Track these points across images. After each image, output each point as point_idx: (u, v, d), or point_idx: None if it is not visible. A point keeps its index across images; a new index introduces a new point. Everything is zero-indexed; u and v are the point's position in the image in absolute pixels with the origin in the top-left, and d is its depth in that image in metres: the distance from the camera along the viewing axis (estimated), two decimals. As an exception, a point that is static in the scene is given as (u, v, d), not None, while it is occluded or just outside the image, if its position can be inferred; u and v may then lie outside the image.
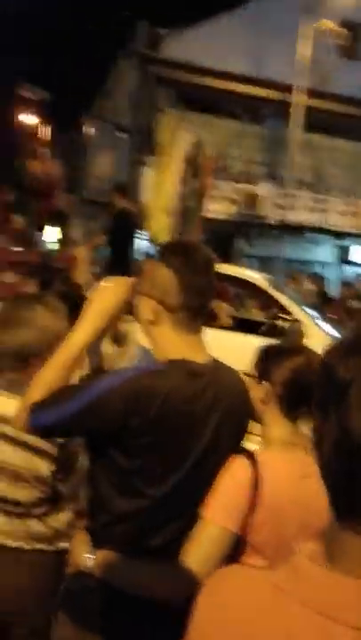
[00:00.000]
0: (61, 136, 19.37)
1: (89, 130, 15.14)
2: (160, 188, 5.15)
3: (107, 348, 3.76)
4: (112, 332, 3.67)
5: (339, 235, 13.62)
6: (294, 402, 1.40)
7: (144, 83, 13.42)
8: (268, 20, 12.28)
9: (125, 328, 2.85)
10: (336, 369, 0.56)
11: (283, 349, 1.51)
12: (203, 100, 13.53)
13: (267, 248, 12.46)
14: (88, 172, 15.87)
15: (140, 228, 5.76)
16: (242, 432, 1.44)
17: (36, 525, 1.59)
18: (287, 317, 4.89)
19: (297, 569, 0.59)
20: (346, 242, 14.71)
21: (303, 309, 5.35)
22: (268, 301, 5.51)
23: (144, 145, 13.00)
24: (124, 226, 5.55)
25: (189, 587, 1.21)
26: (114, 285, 1.38)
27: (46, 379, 1.32)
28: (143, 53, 12.87)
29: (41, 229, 6.30)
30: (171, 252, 1.35)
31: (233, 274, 5.60)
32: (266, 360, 1.49)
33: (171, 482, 1.27)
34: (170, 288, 1.28)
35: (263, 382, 1.45)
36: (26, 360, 1.60)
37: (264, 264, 11.32)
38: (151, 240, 5.62)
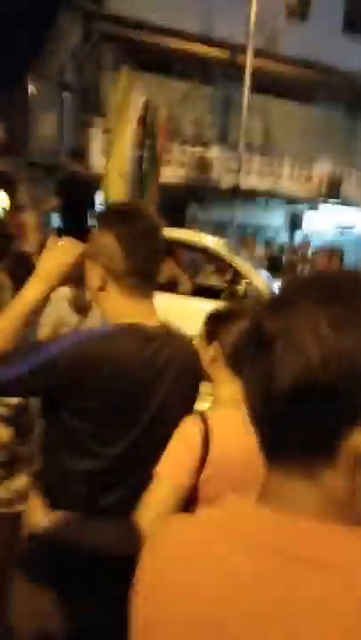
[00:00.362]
0: (1, 95, 18.39)
1: (31, 88, 14.40)
2: (114, 152, 4.96)
3: (71, 317, 3.66)
4: (76, 301, 3.57)
5: (291, 200, 13.77)
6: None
7: (88, 40, 12.85)
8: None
9: (88, 297, 2.80)
10: (264, 323, 0.59)
11: (229, 312, 1.55)
12: (151, 59, 13.11)
13: (220, 213, 12.42)
14: (32, 133, 15.19)
15: (94, 193, 5.57)
16: (193, 393, 1.48)
17: None
18: (245, 282, 4.89)
19: (229, 506, 0.64)
20: (298, 207, 14.90)
21: (259, 274, 5.38)
22: (224, 266, 5.51)
23: (90, 105, 12.54)
24: (77, 190, 5.37)
25: (143, 542, 1.23)
26: (63, 246, 1.38)
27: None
28: (87, 9, 12.26)
29: None
30: (114, 218, 1.35)
31: (189, 239, 5.55)
32: (214, 322, 1.55)
33: (123, 443, 1.30)
34: (114, 254, 1.30)
35: (212, 343, 1.50)
36: None
37: (217, 229, 11.27)
38: (106, 205, 5.48)
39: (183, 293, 4.76)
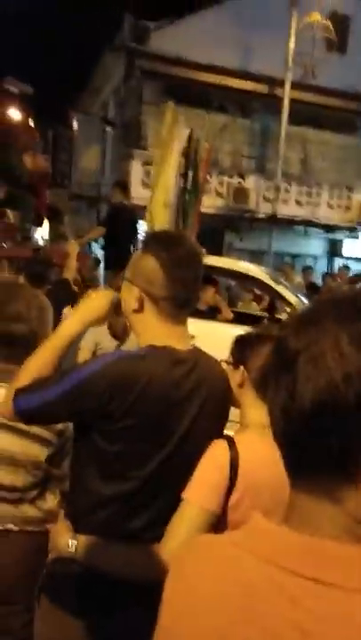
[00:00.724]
0: (48, 131, 19.19)
1: (76, 124, 14.99)
2: (159, 183, 5.10)
3: (108, 342, 3.73)
4: (113, 327, 3.64)
5: (329, 228, 13.67)
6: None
7: (130, 76, 13.32)
8: (255, 13, 12.26)
9: (125, 323, 2.86)
10: (288, 341, 0.59)
11: (257, 336, 1.54)
12: (191, 93, 13.46)
13: (256, 241, 12.46)
14: (75, 167, 15.74)
15: (137, 223, 5.71)
16: (222, 417, 1.47)
17: (29, 510, 1.61)
18: (288, 310, 4.86)
19: (252, 525, 0.64)
20: (336, 235, 14.78)
21: (303, 301, 5.35)
22: (263, 294, 5.46)
23: (131, 138, 12.92)
24: (122, 220, 5.53)
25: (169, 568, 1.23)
26: (99, 298, 1.46)
27: (32, 367, 1.37)
28: (129, 47, 12.75)
29: (38, 224, 6.23)
30: (157, 243, 1.36)
31: (232, 267, 5.56)
32: (241, 347, 1.54)
33: (151, 466, 1.30)
34: (155, 279, 1.31)
35: (240, 367, 1.50)
36: (15, 349, 1.63)
37: (254, 257, 11.30)
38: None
39: (224, 321, 4.76)
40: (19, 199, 5.93)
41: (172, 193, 5.16)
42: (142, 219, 5.85)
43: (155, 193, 5.15)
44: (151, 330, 1.35)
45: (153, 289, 1.32)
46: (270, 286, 5.04)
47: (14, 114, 14.13)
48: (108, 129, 15.32)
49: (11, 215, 5.95)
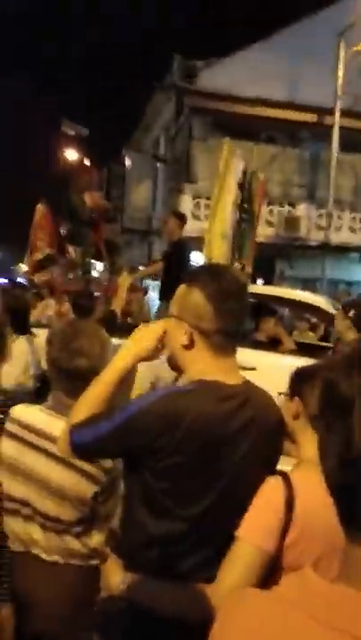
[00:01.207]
0: (103, 169, 19.93)
1: (128, 162, 15.52)
2: (217, 215, 5.19)
3: (167, 373, 3.76)
4: (171, 359, 3.67)
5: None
6: None
7: (180, 113, 13.70)
8: (301, 45, 12.41)
9: None
10: (339, 385, 0.56)
11: (314, 369, 1.50)
12: (239, 127, 13.68)
13: (309, 269, 12.32)
14: (128, 202, 16.21)
15: (190, 254, 5.77)
16: (276, 454, 1.43)
17: (72, 542, 1.62)
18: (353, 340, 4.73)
19: (305, 583, 0.59)
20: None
21: None
22: (319, 323, 5.33)
23: (181, 173, 13.22)
24: (181, 253, 5.60)
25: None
26: (149, 331, 1.44)
27: (87, 402, 1.37)
28: (179, 85, 13.17)
29: (98, 259, 6.45)
30: (203, 277, 1.35)
31: (292, 297, 5.49)
32: (297, 379, 1.50)
33: (202, 504, 1.27)
34: (204, 313, 1.29)
35: (295, 399, 1.47)
36: (76, 384, 1.65)
37: (306, 285, 11.17)
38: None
39: (286, 352, 4.69)
40: (80, 235, 6.17)
41: (229, 224, 5.22)
42: (193, 250, 5.92)
43: (212, 224, 5.22)
44: (201, 364, 1.33)
45: (203, 323, 1.30)
46: (332, 315, 4.93)
47: (72, 155, 14.81)
48: (159, 165, 15.76)
49: (72, 251, 6.19)
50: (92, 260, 6.35)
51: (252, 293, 5.17)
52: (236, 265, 5.44)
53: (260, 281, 11.19)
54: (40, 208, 6.77)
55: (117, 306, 4.52)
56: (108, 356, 1.72)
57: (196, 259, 6.65)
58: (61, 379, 1.67)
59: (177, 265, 5.49)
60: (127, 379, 1.44)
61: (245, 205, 5.67)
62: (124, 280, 4.81)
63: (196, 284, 1.32)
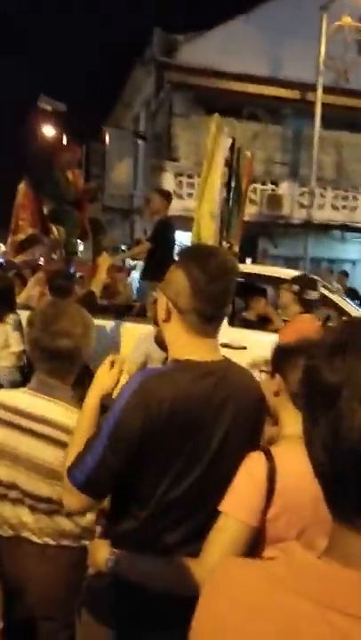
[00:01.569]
0: (81, 146, 19.51)
1: (108, 138, 15.24)
2: (205, 195, 5.11)
3: (156, 353, 3.73)
4: (159, 338, 3.65)
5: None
6: None
7: (160, 89, 13.46)
8: (283, 20, 12.22)
9: None
10: (322, 372, 0.55)
11: (296, 347, 1.51)
12: (221, 103, 13.49)
13: (291, 248, 12.33)
14: (108, 180, 15.96)
15: (173, 234, 5.68)
16: (257, 429, 1.45)
17: (63, 522, 1.62)
18: (344, 316, 4.73)
19: (292, 558, 0.60)
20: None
21: (356, 308, 5.22)
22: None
23: (162, 151, 13.02)
24: (166, 233, 5.52)
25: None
26: (105, 374, 1.46)
27: (74, 450, 1.36)
28: (159, 60, 12.90)
29: (83, 239, 6.28)
30: (188, 257, 1.38)
31: (283, 276, 5.46)
32: (278, 356, 1.53)
33: (187, 482, 1.29)
34: (181, 291, 1.32)
35: (276, 376, 1.49)
36: (58, 363, 1.67)
37: (289, 264, 11.17)
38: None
39: (275, 331, 4.69)
40: (64, 215, 6.01)
41: (217, 203, 5.15)
42: (177, 229, 5.83)
43: (201, 204, 5.14)
44: (178, 341, 1.36)
45: (179, 301, 1.33)
46: (327, 297, 4.91)
47: (50, 131, 14.48)
48: (140, 142, 15.50)
49: (56, 231, 6.04)
50: (78, 241, 6.19)
51: (241, 272, 5.16)
52: (224, 244, 5.38)
53: (248, 260, 11.17)
54: (22, 187, 6.58)
55: (96, 286, 4.49)
56: (91, 335, 1.72)
57: (181, 238, 6.56)
58: (44, 359, 1.67)
59: (162, 245, 5.42)
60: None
61: (233, 184, 5.59)
62: (104, 260, 4.75)
63: (181, 262, 1.36)
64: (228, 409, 1.33)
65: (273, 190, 12.77)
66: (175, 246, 5.66)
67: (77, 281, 5.37)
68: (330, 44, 10.88)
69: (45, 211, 6.05)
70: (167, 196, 5.82)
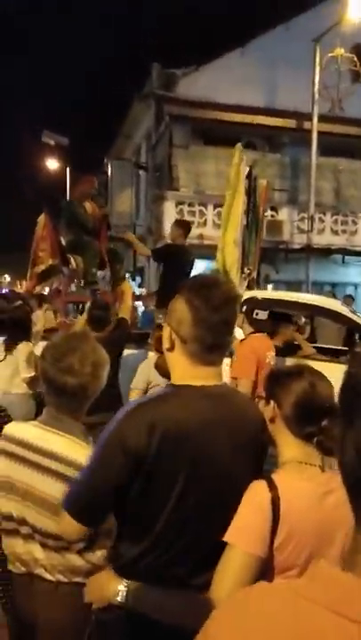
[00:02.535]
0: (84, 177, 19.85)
1: (110, 170, 15.54)
2: (229, 222, 5.16)
3: (158, 379, 3.74)
4: (160, 365, 3.67)
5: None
6: (301, 423, 1.43)
7: (160, 121, 13.77)
8: (278, 52, 12.56)
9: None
10: None
11: (288, 372, 1.53)
12: (218, 133, 13.77)
13: (293, 272, 12.41)
14: (110, 210, 16.20)
15: (188, 262, 5.67)
16: (258, 456, 1.44)
17: (74, 559, 1.58)
18: None
19: (317, 575, 0.58)
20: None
21: None
22: (345, 326, 5.37)
23: (163, 181, 13.26)
24: (176, 258, 5.53)
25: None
26: (96, 586, 1.43)
27: None
28: (158, 94, 13.24)
29: (100, 268, 6.27)
30: (190, 287, 1.38)
31: (306, 302, 5.48)
32: (271, 382, 1.53)
33: (187, 506, 1.28)
34: (183, 320, 1.34)
35: (270, 402, 1.49)
36: (63, 400, 1.64)
37: (291, 288, 11.23)
38: (218, 272, 5.50)
39: (304, 357, 4.69)
40: (84, 245, 5.98)
41: (240, 231, 5.23)
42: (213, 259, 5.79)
43: (226, 232, 5.20)
44: (179, 370, 1.38)
45: (181, 330, 1.34)
46: (350, 318, 4.96)
47: (53, 164, 14.72)
48: (141, 172, 15.79)
49: (74, 261, 6.06)
50: (96, 270, 6.16)
51: (268, 299, 5.19)
52: (246, 271, 5.42)
53: (269, 286, 11.22)
54: (42, 219, 6.61)
55: (125, 313, 4.46)
56: (102, 375, 1.68)
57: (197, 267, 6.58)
58: (51, 393, 1.65)
59: (171, 271, 5.44)
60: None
61: (251, 211, 5.63)
62: (128, 287, 4.77)
63: (184, 292, 1.36)
64: (227, 432, 1.32)
65: (273, 216, 12.93)
66: (188, 274, 5.67)
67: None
68: (324, 74, 11.17)
69: (63, 241, 6.11)
70: (184, 226, 5.82)
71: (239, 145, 5.42)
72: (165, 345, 1.40)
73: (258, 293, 5.06)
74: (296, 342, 5.14)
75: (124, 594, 1.28)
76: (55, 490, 1.55)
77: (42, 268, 6.29)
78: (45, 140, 13.40)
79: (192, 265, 5.66)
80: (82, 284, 6.08)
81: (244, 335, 3.99)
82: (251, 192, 5.65)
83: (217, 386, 1.37)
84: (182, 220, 7.31)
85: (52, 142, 13.47)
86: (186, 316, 1.33)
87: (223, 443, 1.32)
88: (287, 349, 5.00)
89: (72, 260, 6.08)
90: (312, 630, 0.55)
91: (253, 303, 4.06)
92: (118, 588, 1.29)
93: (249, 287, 5.63)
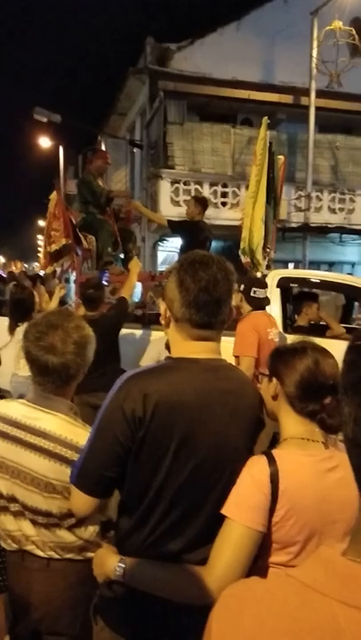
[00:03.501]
0: (78, 155, 19.61)
1: (104, 147, 15.31)
2: (257, 199, 5.05)
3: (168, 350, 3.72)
4: (168, 342, 3.68)
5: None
6: (304, 401, 1.43)
7: (155, 98, 13.52)
8: (275, 25, 12.29)
9: None
10: None
11: (292, 350, 1.51)
12: (215, 110, 13.54)
13: (290, 251, 12.32)
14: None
15: (206, 240, 5.57)
16: (254, 430, 1.44)
17: (66, 536, 1.60)
18: None
19: (330, 566, 0.57)
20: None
21: None
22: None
23: (158, 158, 13.06)
24: (202, 237, 5.46)
25: (219, 591, 1.19)
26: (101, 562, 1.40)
27: None
28: (152, 69, 12.97)
29: (114, 248, 6.14)
30: (182, 266, 1.38)
31: (335, 280, 5.37)
32: (275, 359, 1.52)
33: (181, 477, 1.28)
34: (173, 299, 1.35)
35: (273, 380, 1.49)
36: (46, 378, 1.64)
37: (288, 267, 11.16)
38: (245, 252, 5.36)
39: (333, 337, 4.61)
40: (98, 224, 5.82)
41: (264, 208, 5.14)
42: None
43: (255, 209, 5.11)
44: (176, 344, 1.40)
45: (172, 308, 1.37)
46: None
47: (46, 141, 14.43)
48: (136, 150, 15.56)
49: (85, 241, 5.92)
50: (111, 250, 6.00)
51: (294, 278, 5.11)
52: (267, 249, 5.34)
53: (290, 265, 11.12)
54: (54, 197, 6.40)
55: (127, 292, 4.39)
56: (86, 354, 1.66)
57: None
58: (35, 372, 1.64)
59: (189, 248, 5.35)
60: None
61: (270, 188, 5.55)
62: (135, 264, 4.68)
63: (176, 270, 1.37)
64: (222, 404, 1.33)
65: (269, 195, 12.80)
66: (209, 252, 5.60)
67: (111, 289, 5.33)
68: (322, 48, 10.92)
69: (74, 220, 5.97)
70: (202, 203, 5.74)
71: (265, 118, 5.27)
72: (162, 321, 1.43)
73: (290, 272, 5.01)
74: (322, 322, 5.07)
75: (122, 570, 1.29)
76: (44, 467, 1.56)
77: (54, 247, 6.17)
78: (37, 117, 13.16)
79: (210, 242, 5.59)
80: (96, 266, 5.96)
81: (244, 313, 3.96)
82: (270, 168, 5.51)
83: (214, 359, 1.37)
84: (200, 196, 7.16)
85: (44, 119, 13.24)
86: (176, 295, 1.34)
87: (218, 414, 1.32)
88: (316, 329, 4.93)
89: (84, 239, 5.95)
90: (326, 624, 0.53)
91: (250, 282, 4.03)
92: (116, 565, 1.30)
93: (268, 267, 5.55)
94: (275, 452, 1.36)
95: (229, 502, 1.28)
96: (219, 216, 12.14)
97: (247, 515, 1.26)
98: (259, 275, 5.32)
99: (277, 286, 4.82)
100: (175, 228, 5.78)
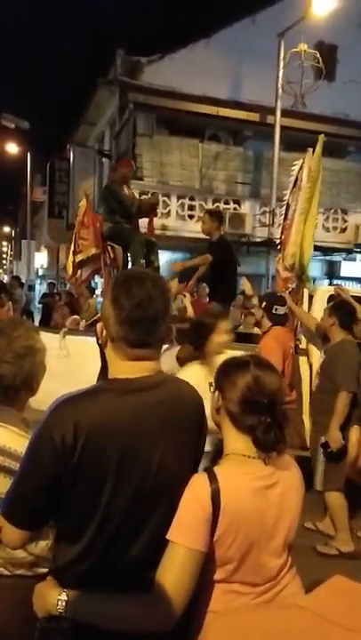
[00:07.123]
0: (46, 163, 19.49)
1: (72, 156, 15.28)
2: (309, 215, 4.99)
3: (166, 366, 3.75)
4: (178, 355, 3.69)
5: (325, 250, 13.75)
6: (243, 417, 1.40)
7: (124, 109, 13.62)
8: (243, 45, 12.59)
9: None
10: None
11: (236, 364, 1.47)
12: (183, 124, 13.73)
13: (254, 265, 12.54)
14: (73, 197, 15.96)
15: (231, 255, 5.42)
16: (195, 442, 1.39)
17: (16, 551, 1.54)
18: None
19: (348, 597, 0.56)
20: (333, 257, 14.88)
21: None
22: None
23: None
24: (226, 253, 5.32)
25: (167, 615, 1.21)
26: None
27: None
28: (122, 81, 13.08)
29: (142, 258, 5.81)
30: (118, 284, 1.33)
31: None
32: (220, 373, 1.50)
33: (122, 501, 1.23)
34: (109, 317, 1.30)
35: (216, 392, 1.47)
36: (7, 389, 1.62)
37: (251, 281, 11.33)
38: (293, 268, 5.25)
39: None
40: (127, 235, 5.57)
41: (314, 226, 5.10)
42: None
43: (306, 227, 5.07)
44: (112, 364, 1.34)
45: (108, 326, 1.31)
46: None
47: (13, 148, 14.22)
48: (104, 160, 15.59)
49: (110, 250, 5.68)
50: (143, 262, 5.75)
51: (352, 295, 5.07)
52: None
53: (325, 281, 11.05)
54: (83, 204, 6.22)
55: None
56: (26, 366, 1.64)
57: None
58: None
59: (222, 266, 5.22)
60: None
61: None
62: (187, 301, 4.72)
63: (112, 290, 1.32)
64: (159, 423, 1.28)
65: (235, 209, 13.03)
66: (236, 267, 5.44)
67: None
68: (288, 69, 11.25)
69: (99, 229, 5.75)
70: (217, 216, 5.56)
71: (322, 136, 5.25)
72: (100, 342, 1.36)
73: (339, 290, 5.05)
74: None
75: (64, 604, 1.23)
76: None
77: (80, 257, 5.97)
78: (5, 122, 13.05)
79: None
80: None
81: (265, 329, 4.20)
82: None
83: (150, 376, 1.31)
84: (214, 209, 6.89)
85: (11, 125, 13.14)
86: (111, 313, 1.29)
87: (154, 434, 1.27)
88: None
89: (109, 249, 5.72)
90: None
91: (272, 300, 4.26)
92: (57, 598, 1.24)
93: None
94: (216, 468, 1.35)
95: (173, 525, 1.26)
96: (185, 228, 12.28)
97: (189, 536, 1.26)
98: (306, 291, 5.36)
99: (328, 302, 4.80)
100: (215, 255, 5.38)
